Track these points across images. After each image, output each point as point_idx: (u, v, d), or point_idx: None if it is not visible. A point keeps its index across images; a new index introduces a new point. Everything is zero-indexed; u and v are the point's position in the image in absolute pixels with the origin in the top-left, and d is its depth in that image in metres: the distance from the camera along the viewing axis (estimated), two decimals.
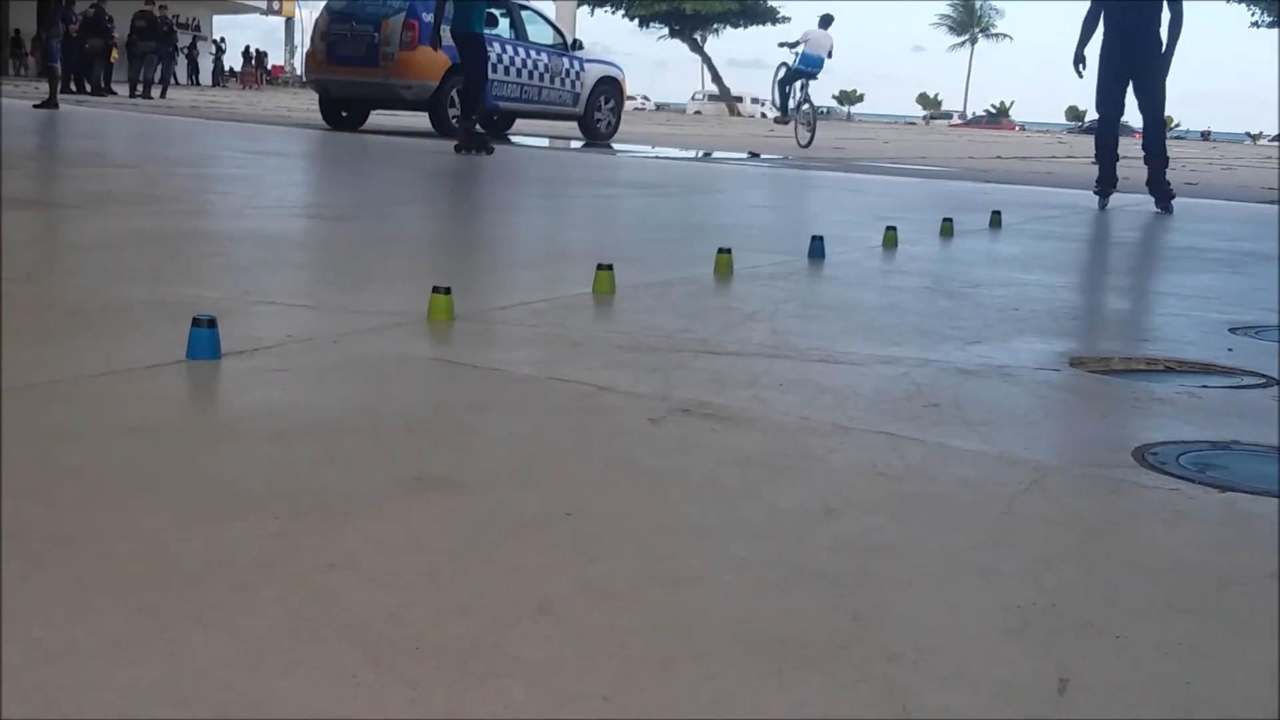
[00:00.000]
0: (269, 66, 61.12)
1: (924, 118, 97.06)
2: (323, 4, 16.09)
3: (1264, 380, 2.94)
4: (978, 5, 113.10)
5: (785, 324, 3.34)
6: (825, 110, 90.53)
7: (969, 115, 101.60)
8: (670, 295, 3.76)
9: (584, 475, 1.95)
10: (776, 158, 15.56)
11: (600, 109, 16.99)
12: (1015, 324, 3.57)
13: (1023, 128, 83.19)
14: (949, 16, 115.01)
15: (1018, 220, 7.25)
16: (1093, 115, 9.04)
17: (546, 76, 15.88)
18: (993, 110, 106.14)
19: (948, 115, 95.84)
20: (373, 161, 10.57)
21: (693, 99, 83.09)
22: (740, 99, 76.89)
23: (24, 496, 1.66)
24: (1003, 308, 3.84)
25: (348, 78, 14.80)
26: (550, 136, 17.42)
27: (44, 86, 16.76)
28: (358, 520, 1.66)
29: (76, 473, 1.81)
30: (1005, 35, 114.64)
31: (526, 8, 16.07)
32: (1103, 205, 8.67)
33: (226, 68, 51.83)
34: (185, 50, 39.03)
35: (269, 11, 64.69)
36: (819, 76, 17.69)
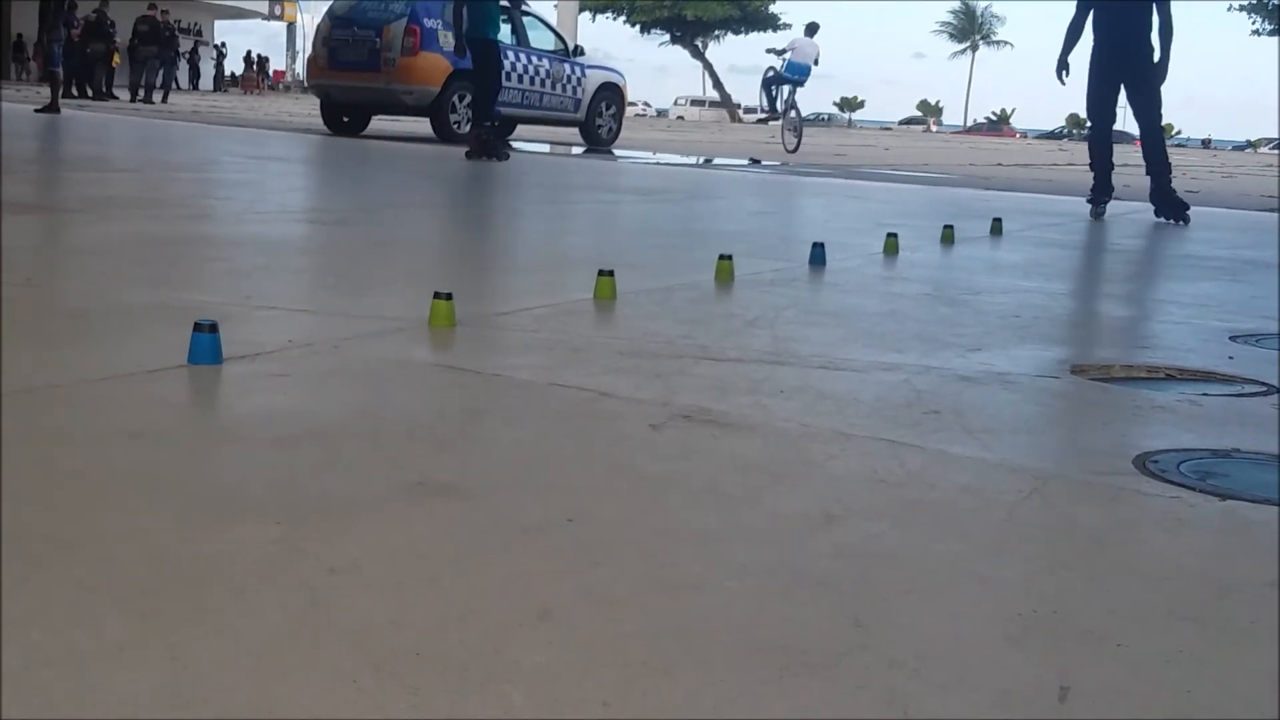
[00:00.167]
0: (270, 72, 61.17)
1: (899, 122, 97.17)
2: (325, 9, 16.11)
3: (1265, 388, 2.94)
4: (979, 12, 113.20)
5: (786, 330, 3.34)
6: (827, 117, 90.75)
7: (971, 122, 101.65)
8: (671, 301, 3.76)
9: (585, 481, 1.95)
10: (777, 164, 15.56)
11: (602, 115, 17.00)
12: (1016, 331, 3.57)
13: (1024, 135, 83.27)
14: (950, 24, 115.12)
15: (1019, 227, 7.26)
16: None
17: (548, 82, 15.89)
18: (993, 117, 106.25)
19: (923, 121, 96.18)
20: (374, 167, 10.57)
21: (675, 104, 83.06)
22: (739, 105, 76.98)
23: (24, 500, 1.66)
24: (1004, 315, 3.85)
25: (349, 83, 14.81)
26: (551, 142, 17.43)
27: (45, 91, 16.76)
28: (359, 525, 1.66)
29: (77, 476, 1.81)
30: (1006, 42, 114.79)
31: (528, 13, 16.08)
32: (1097, 215, 8.49)
33: (228, 73, 51.88)
34: (187, 55, 39.06)
35: (271, 17, 64.76)
36: (806, 84, 17.90)
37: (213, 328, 2.51)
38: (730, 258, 4.23)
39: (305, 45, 51.12)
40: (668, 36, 79.14)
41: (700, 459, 2.08)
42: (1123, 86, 8.30)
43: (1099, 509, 1.96)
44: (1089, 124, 8.80)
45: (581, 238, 6.24)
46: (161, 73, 27.14)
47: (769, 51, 18.65)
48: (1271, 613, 1.54)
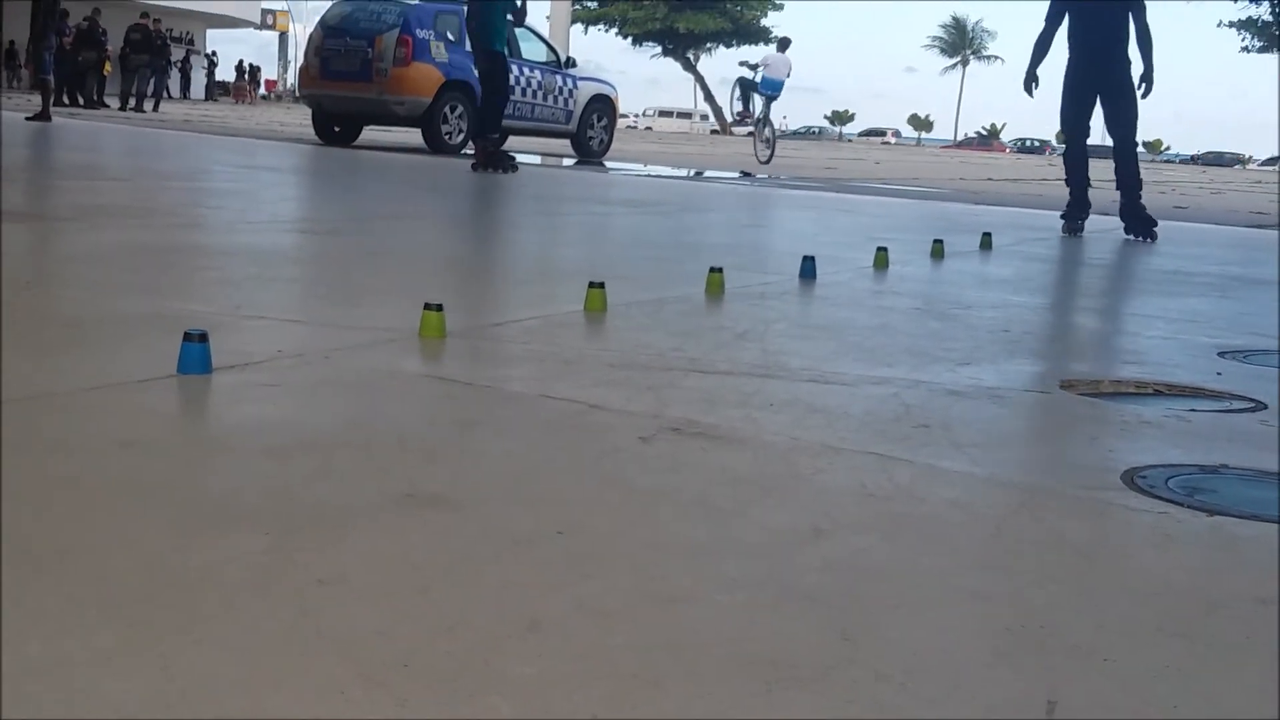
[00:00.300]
0: (262, 81, 61.16)
1: (859, 134, 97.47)
2: (317, 19, 16.13)
3: (1253, 404, 2.95)
4: (970, 27, 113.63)
5: (776, 344, 3.34)
6: (818, 130, 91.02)
7: (962, 136, 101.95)
8: (662, 314, 3.77)
9: (575, 493, 1.95)
10: (767, 177, 15.59)
11: (593, 126, 17.03)
12: (1005, 346, 3.58)
13: (1014, 150, 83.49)
14: (941, 38, 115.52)
15: (1008, 242, 7.28)
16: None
17: (540, 94, 15.92)
18: (984, 132, 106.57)
19: (881, 133, 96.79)
20: (365, 177, 10.57)
21: (644, 114, 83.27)
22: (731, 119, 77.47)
23: (16, 509, 1.66)
24: (993, 329, 3.86)
25: (341, 93, 14.82)
26: (542, 154, 17.44)
27: (36, 99, 16.74)
28: (349, 536, 1.66)
29: (67, 485, 1.81)
30: (997, 57, 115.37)
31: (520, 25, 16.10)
32: (1070, 231, 8.27)
33: (219, 82, 51.84)
34: (178, 64, 39.03)
35: (263, 26, 64.84)
36: (779, 97, 18.64)
37: (203, 337, 2.51)
38: (721, 270, 4.24)
39: (297, 55, 51.11)
40: (659, 49, 79.29)
41: (690, 472, 2.08)
42: (1099, 99, 8.12)
43: (1087, 524, 1.97)
44: (1064, 139, 8.62)
45: (572, 249, 6.25)
46: (153, 81, 27.15)
47: (741, 64, 19.61)
48: (1259, 628, 1.55)
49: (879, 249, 5.44)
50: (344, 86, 14.71)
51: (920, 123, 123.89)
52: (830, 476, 2.12)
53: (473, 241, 6.31)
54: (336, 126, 15.54)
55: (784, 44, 19.40)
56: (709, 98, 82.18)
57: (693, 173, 16.72)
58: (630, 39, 77.37)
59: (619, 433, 2.30)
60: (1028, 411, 2.83)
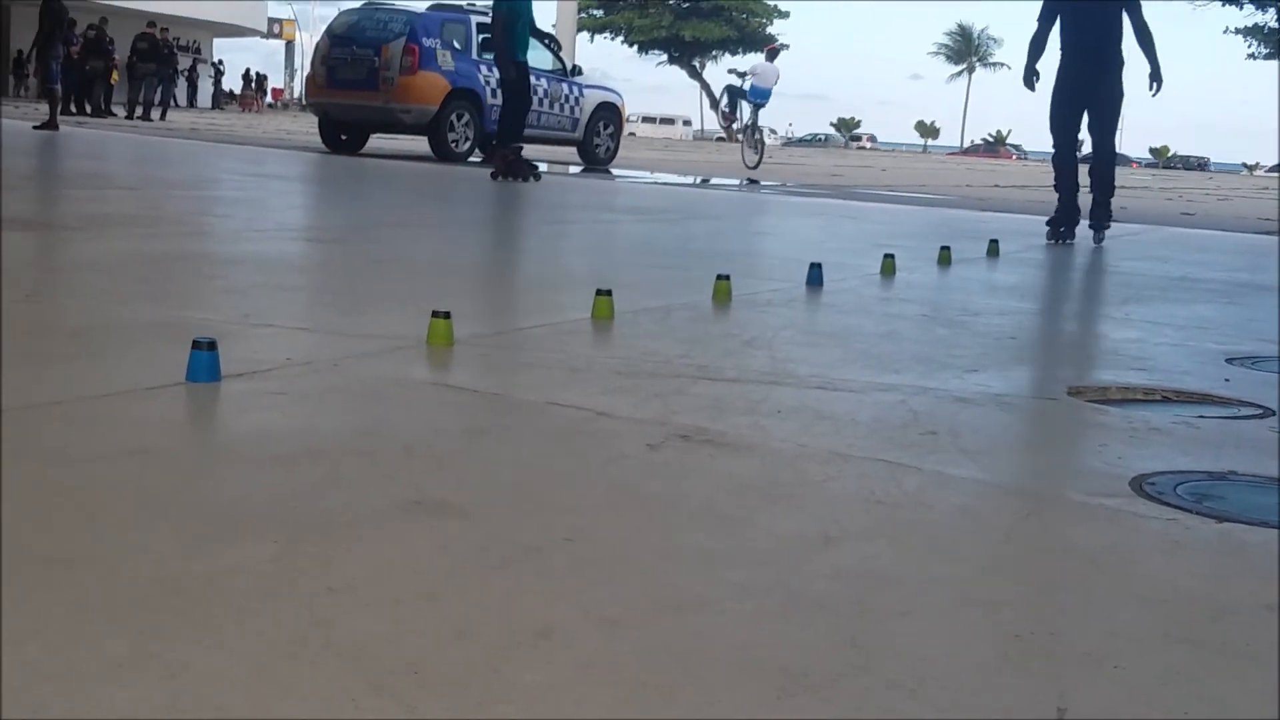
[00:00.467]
0: (269, 90, 61.30)
1: (830, 136, 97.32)
2: (324, 28, 16.16)
3: (1261, 411, 2.95)
4: (975, 34, 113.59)
5: (783, 351, 3.34)
6: (824, 138, 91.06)
7: (968, 143, 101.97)
8: (669, 321, 3.77)
9: (583, 501, 1.95)
10: (774, 184, 15.60)
11: (599, 134, 17.03)
12: (1013, 352, 3.58)
13: (1020, 156, 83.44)
14: (947, 46, 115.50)
15: (1015, 249, 7.27)
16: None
17: (546, 102, 15.92)
18: (990, 139, 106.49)
19: (857, 139, 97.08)
20: (371, 185, 10.59)
21: (627, 119, 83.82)
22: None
23: (23, 517, 1.66)
24: (1001, 336, 3.85)
25: (347, 101, 14.84)
26: (549, 161, 17.46)
27: (44, 108, 16.80)
28: (357, 544, 1.66)
29: (76, 494, 1.81)
30: (1003, 64, 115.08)
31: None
32: (1055, 239, 8.03)
33: (226, 90, 51.97)
34: (185, 73, 39.14)
35: (269, 35, 64.98)
36: (766, 105, 19.06)
37: (211, 345, 2.52)
38: (728, 278, 4.24)
39: (304, 63, 51.27)
40: (665, 56, 79.40)
41: (698, 479, 2.08)
42: (1088, 102, 7.93)
43: (1096, 531, 1.97)
44: (1053, 143, 8.29)
45: (579, 257, 6.25)
46: (160, 90, 27.20)
47: (730, 72, 20.19)
48: (1267, 634, 1.55)
49: (886, 256, 5.44)
50: (350, 95, 14.73)
51: (926, 129, 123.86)
52: (839, 483, 2.11)
53: (480, 249, 6.32)
54: (343, 135, 15.56)
55: (773, 53, 19.88)
56: (714, 105, 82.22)
57: (698, 180, 16.72)
58: (636, 47, 77.50)
59: (627, 440, 2.30)
60: (1035, 418, 2.83)
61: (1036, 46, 8.07)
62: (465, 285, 4.70)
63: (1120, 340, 3.99)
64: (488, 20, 14.80)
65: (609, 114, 17.15)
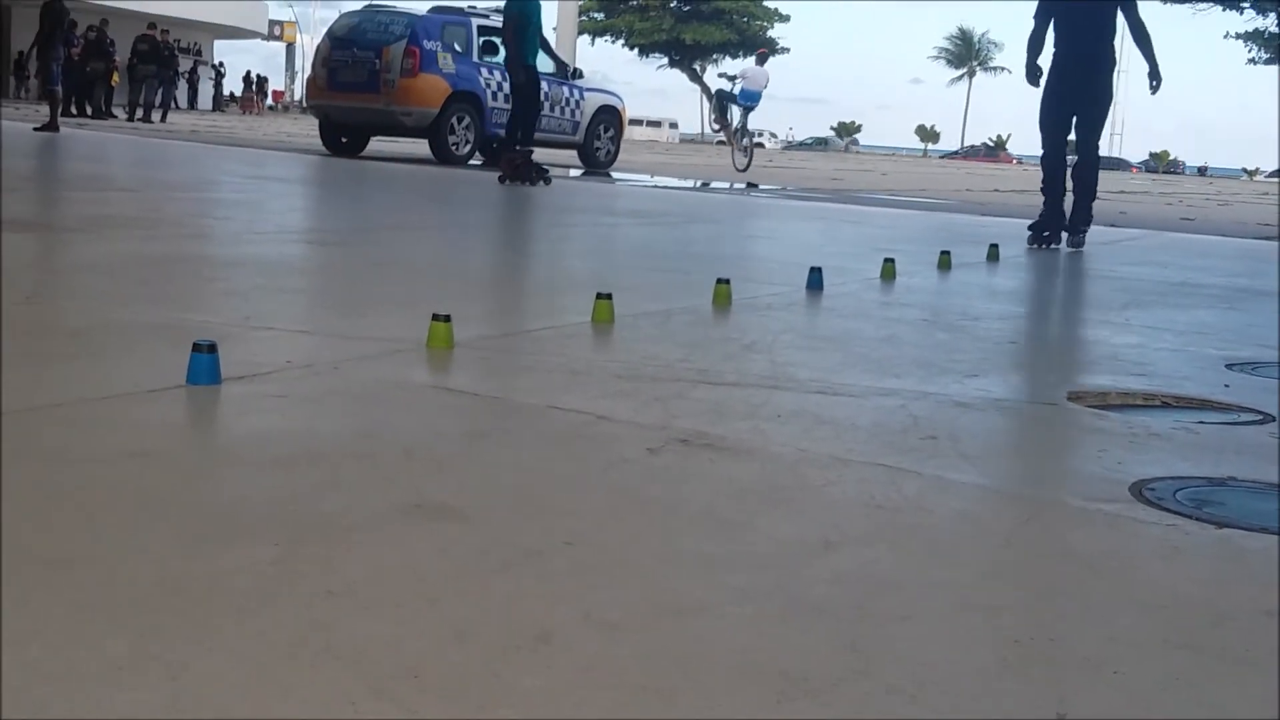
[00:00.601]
0: (269, 92, 61.30)
1: (813, 141, 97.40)
2: (324, 30, 16.17)
3: (1261, 417, 2.95)
4: (976, 38, 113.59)
5: (784, 355, 3.34)
6: (824, 142, 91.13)
7: (968, 147, 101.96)
8: (669, 325, 3.77)
9: (583, 504, 1.95)
10: (775, 188, 15.60)
11: (600, 137, 17.04)
12: (1013, 357, 3.58)
13: (1020, 160, 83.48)
14: (947, 50, 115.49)
15: (1015, 253, 7.28)
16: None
17: (546, 105, 15.92)
18: (990, 143, 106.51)
19: (837, 142, 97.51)
20: (372, 187, 10.59)
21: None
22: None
23: (24, 518, 1.67)
24: (1000, 341, 3.86)
25: (348, 104, 14.85)
26: (549, 164, 17.45)
27: (45, 109, 16.80)
28: (357, 547, 1.66)
29: (76, 495, 1.82)
30: (1004, 69, 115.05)
31: None
32: (1039, 244, 7.90)
33: (226, 93, 51.98)
34: (186, 75, 39.12)
35: (270, 37, 65.02)
36: (756, 108, 19.22)
37: (211, 348, 2.52)
38: (728, 282, 4.24)
39: (304, 66, 51.30)
40: (666, 60, 79.39)
41: (698, 483, 2.09)
42: (1073, 106, 7.82)
43: (1095, 536, 1.97)
44: (1042, 144, 8.14)
45: (579, 260, 6.25)
46: (160, 92, 27.19)
47: (720, 76, 20.40)
48: (1267, 640, 1.55)
49: (886, 260, 5.44)
50: (351, 97, 14.74)
51: (927, 133, 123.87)
52: (839, 488, 2.12)
53: (480, 252, 6.32)
54: (344, 137, 15.57)
55: (762, 57, 20.16)
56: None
57: (699, 184, 16.72)
58: (637, 50, 77.45)
59: (627, 444, 2.30)
60: (1035, 423, 2.83)
61: (1035, 44, 8.00)
62: (465, 288, 4.70)
63: (1120, 345, 3.99)
64: (489, 23, 14.86)
65: (609, 117, 17.16)
